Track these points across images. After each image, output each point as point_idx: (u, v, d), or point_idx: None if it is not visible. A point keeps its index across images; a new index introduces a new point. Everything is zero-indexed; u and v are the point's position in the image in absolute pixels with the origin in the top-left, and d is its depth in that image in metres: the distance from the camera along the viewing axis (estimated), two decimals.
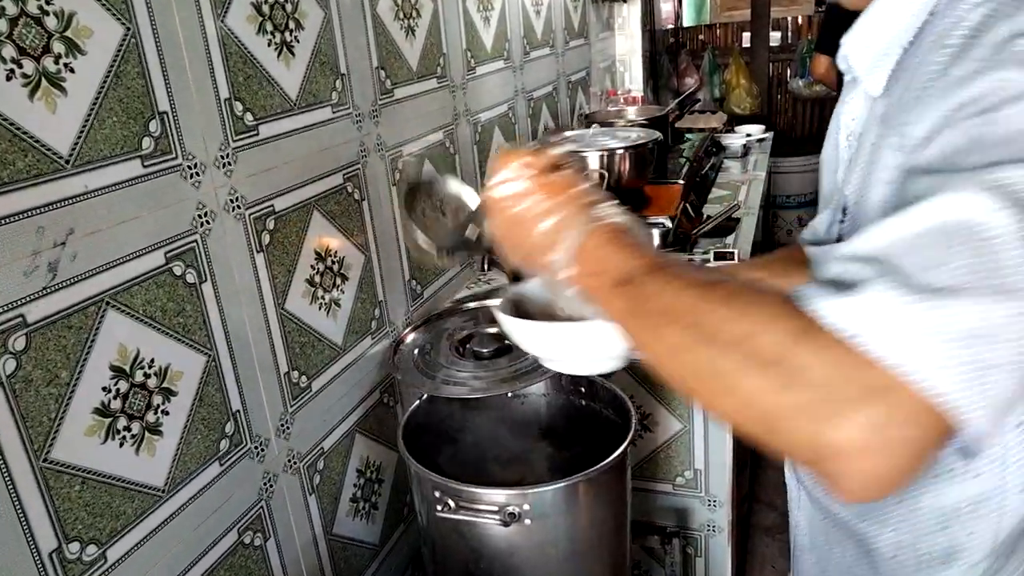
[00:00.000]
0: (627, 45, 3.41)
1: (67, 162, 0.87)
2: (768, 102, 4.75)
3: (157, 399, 1.00)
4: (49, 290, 0.85)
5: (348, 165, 1.40)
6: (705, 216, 2.13)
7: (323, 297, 1.34)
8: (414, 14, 1.62)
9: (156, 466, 1.00)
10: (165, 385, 1.01)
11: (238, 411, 1.14)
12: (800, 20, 4.89)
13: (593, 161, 1.95)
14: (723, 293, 0.54)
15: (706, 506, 1.67)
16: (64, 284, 0.87)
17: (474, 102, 1.93)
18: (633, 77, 3.43)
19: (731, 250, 1.73)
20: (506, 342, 1.50)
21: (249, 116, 1.15)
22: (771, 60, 4.72)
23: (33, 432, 0.83)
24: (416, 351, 1.51)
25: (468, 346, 1.51)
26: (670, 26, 4.67)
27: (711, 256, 1.76)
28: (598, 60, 3.16)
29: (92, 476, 0.91)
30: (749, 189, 2.51)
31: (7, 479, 0.81)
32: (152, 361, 0.99)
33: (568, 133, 2.20)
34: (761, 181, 2.59)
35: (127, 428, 0.95)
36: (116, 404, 0.93)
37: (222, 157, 1.10)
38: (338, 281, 1.39)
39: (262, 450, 1.20)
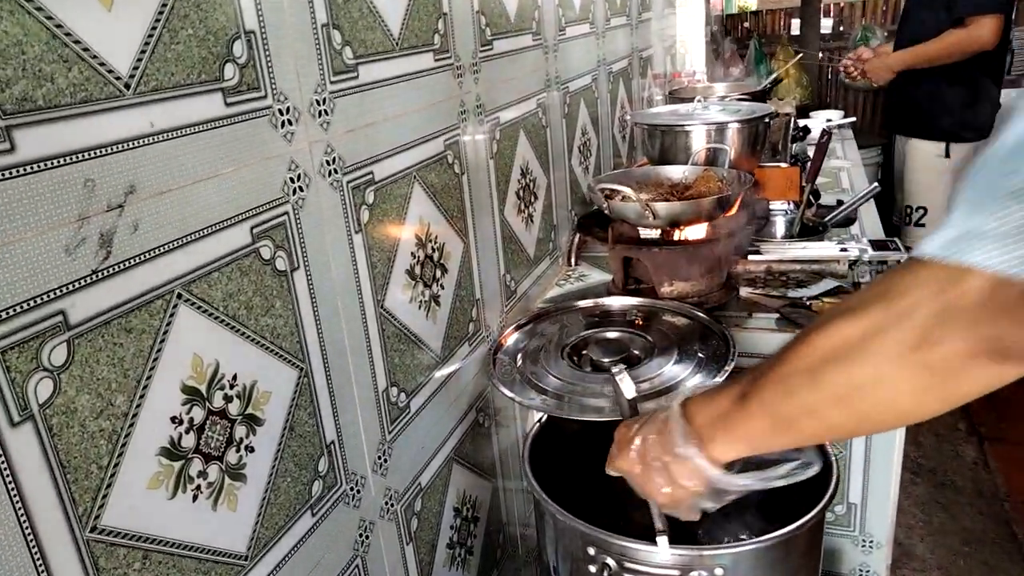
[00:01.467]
0: (688, 25, 3.14)
1: (127, 86, 0.59)
2: (818, 93, 4.48)
3: (240, 431, 0.71)
4: (101, 275, 0.57)
5: (448, 129, 1.12)
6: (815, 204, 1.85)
7: (423, 293, 1.06)
8: None
9: (238, 524, 0.72)
10: (250, 411, 0.73)
11: (332, 443, 0.86)
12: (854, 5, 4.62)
13: (699, 137, 1.67)
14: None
15: (859, 547, 1.39)
16: (121, 267, 0.59)
17: (563, 68, 1.66)
18: (695, 59, 3.16)
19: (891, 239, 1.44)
20: (635, 351, 1.23)
21: (348, 52, 0.87)
22: (822, 49, 4.45)
23: (77, 489, 0.55)
24: (519, 359, 1.23)
25: (584, 353, 1.23)
26: (716, 12, 4.40)
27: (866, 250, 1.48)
28: (659, 41, 2.88)
29: (157, 547, 0.62)
30: (851, 176, 2.23)
31: (39, 562, 0.53)
32: (235, 378, 0.70)
33: (665, 108, 1.92)
34: (860, 167, 2.32)
35: (202, 474, 0.67)
36: (189, 440, 0.65)
37: (318, 102, 0.82)
38: (438, 273, 1.11)
39: (358, 492, 0.91)
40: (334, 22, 0.85)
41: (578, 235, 1.69)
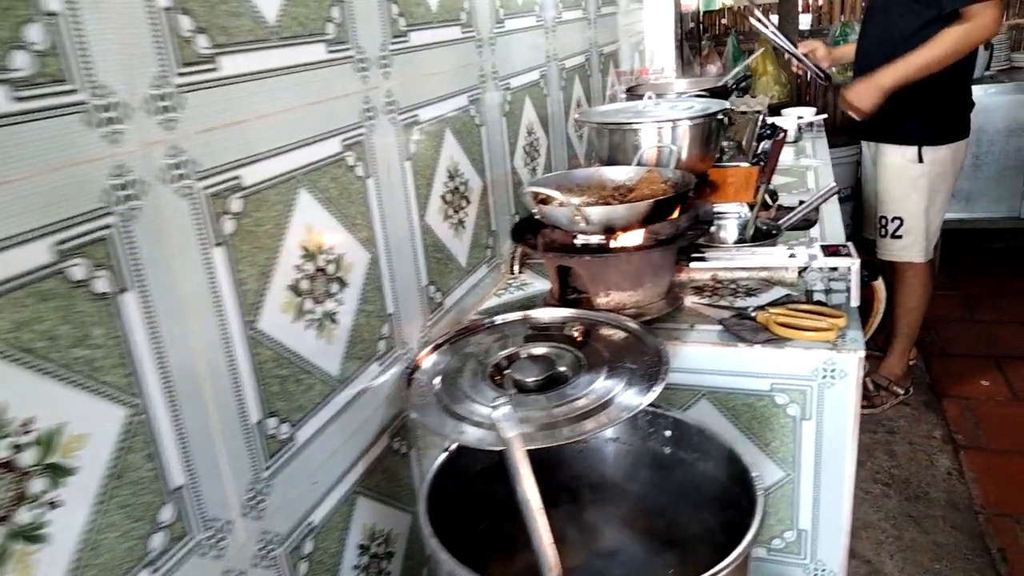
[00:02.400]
0: (656, 21, 3.04)
1: None
2: (797, 91, 4.40)
3: (37, 485, 0.61)
4: None
5: (348, 128, 1.02)
6: (776, 205, 1.76)
7: (313, 311, 0.96)
8: None
9: None
10: (54, 460, 0.62)
11: (181, 487, 0.75)
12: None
13: (649, 136, 1.56)
14: None
15: None
16: None
17: (503, 63, 1.55)
18: (663, 56, 3.06)
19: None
20: (561, 368, 1.12)
21: (203, 40, 0.77)
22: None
23: None
24: (438, 380, 1.12)
25: (507, 373, 1.12)
26: (692, 9, 4.31)
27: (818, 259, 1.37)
28: (625, 36, 2.78)
29: None
30: (818, 175, 2.14)
31: None
32: (30, 422, 0.60)
33: (614, 105, 1.82)
34: (829, 166, 2.22)
35: None
36: None
37: (158, 96, 0.71)
38: (333, 288, 1.00)
39: (221, 539, 0.81)
40: (182, 5, 0.74)
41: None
